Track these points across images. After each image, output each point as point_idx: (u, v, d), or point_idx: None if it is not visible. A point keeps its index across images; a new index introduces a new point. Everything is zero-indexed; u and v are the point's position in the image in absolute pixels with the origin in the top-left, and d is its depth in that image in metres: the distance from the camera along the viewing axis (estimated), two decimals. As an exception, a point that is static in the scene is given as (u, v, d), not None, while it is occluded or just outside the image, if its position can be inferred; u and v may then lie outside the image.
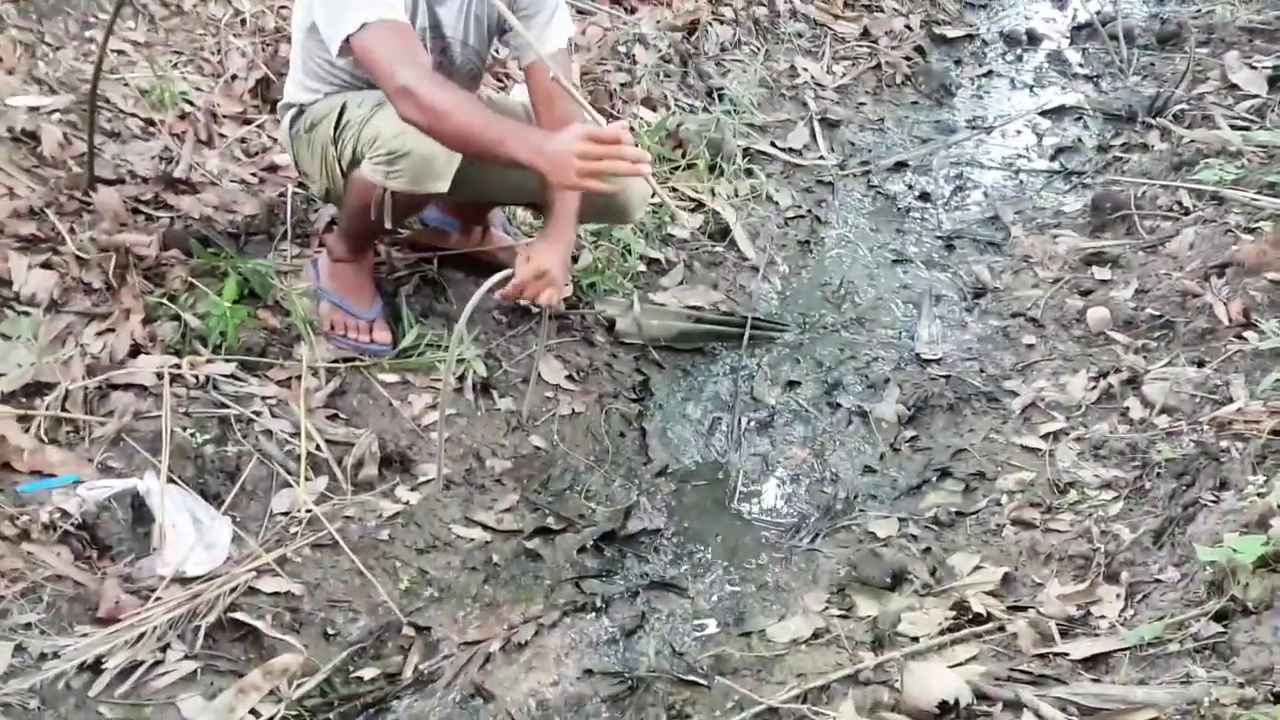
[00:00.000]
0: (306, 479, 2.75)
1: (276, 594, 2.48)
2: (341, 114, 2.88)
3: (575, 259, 3.66)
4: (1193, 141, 4.44)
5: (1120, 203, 4.17)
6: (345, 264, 3.13)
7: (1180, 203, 4.09)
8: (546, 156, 2.50)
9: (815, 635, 2.54)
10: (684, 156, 4.25)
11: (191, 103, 3.73)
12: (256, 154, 3.78)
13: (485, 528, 2.84)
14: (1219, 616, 2.25)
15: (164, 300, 2.97)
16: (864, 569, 2.68)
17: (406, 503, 2.80)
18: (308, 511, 2.65)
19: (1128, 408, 3.09)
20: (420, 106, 2.58)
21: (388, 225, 2.91)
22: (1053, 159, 4.90)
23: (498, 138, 2.56)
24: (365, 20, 2.62)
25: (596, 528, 2.88)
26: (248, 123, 3.87)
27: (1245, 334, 3.20)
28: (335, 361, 3.05)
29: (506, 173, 3.01)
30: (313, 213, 3.51)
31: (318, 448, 2.82)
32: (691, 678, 2.46)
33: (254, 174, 3.67)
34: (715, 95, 4.72)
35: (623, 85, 4.55)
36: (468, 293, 3.32)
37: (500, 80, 4.29)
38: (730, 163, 4.29)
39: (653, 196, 3.21)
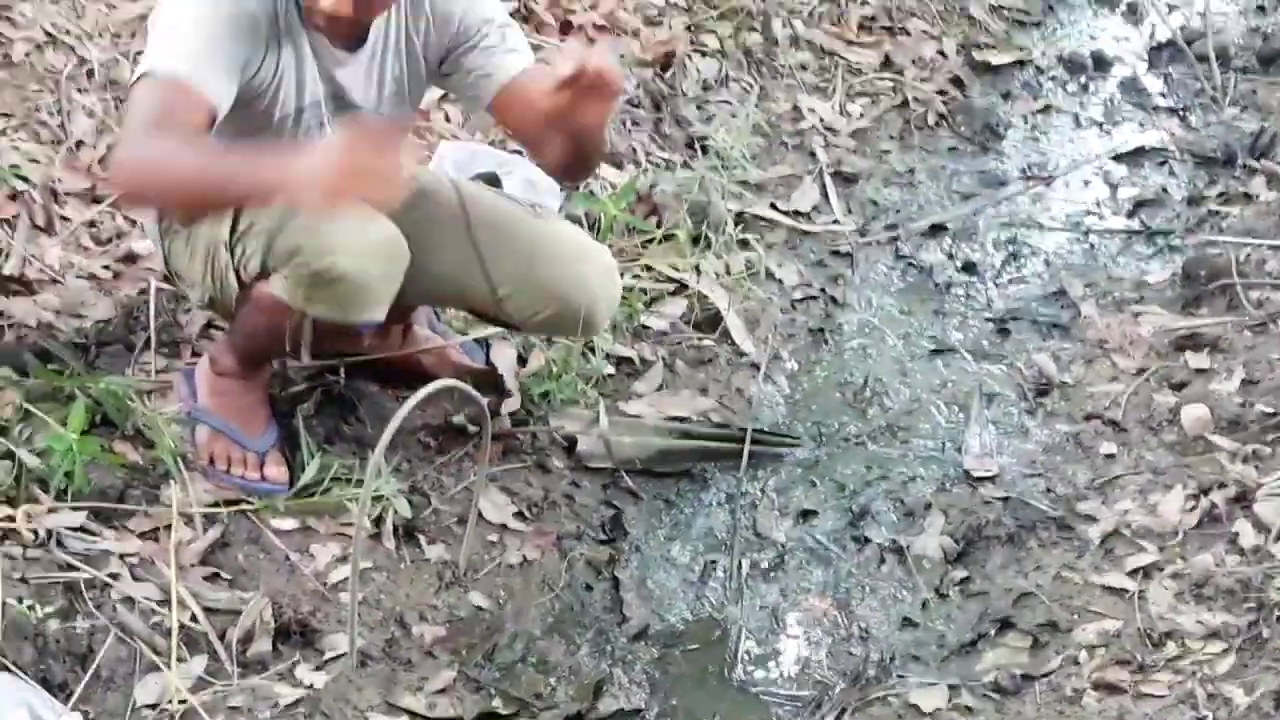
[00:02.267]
0: (180, 659, 2.75)
1: (142, 816, 2.48)
2: (240, 211, 2.89)
3: (523, 360, 3.71)
4: (1308, 189, 4.55)
5: (1219, 269, 4.24)
6: (232, 380, 3.17)
7: (1295, 267, 4.17)
8: (295, 176, 2.49)
9: (847, 846, 2.54)
10: (659, 226, 4.31)
11: (25, 178, 3.77)
12: (109, 241, 3.81)
13: (413, 715, 2.83)
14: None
15: (-9, 434, 3.00)
16: (905, 754, 2.70)
17: (310, 686, 2.80)
18: (181, 702, 2.65)
19: (1237, 533, 3.13)
20: (118, 179, 2.71)
21: (304, 359, 2.96)
22: (1131, 215, 4.99)
23: (224, 176, 2.60)
24: (147, 70, 2.69)
25: (558, 711, 2.88)
26: (97, 201, 3.89)
27: (1385, 432, 3.26)
28: (215, 505, 3.07)
29: (434, 273, 3.09)
30: (183, 313, 3.56)
31: (193, 619, 2.83)
32: None
33: (106, 267, 3.69)
34: (698, 146, 4.80)
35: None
36: (385, 411, 3.39)
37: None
38: (719, 232, 4.35)
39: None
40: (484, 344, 3.70)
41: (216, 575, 2.95)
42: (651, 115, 4.89)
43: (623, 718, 2.92)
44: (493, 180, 3.47)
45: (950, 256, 4.75)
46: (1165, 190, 5.11)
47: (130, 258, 3.77)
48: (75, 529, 2.92)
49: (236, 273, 2.97)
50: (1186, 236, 4.74)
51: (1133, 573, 3.12)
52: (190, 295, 3.20)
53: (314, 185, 2.46)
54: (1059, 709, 2.80)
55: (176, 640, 2.77)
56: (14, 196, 3.76)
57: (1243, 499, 3.23)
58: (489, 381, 3.54)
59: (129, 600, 2.81)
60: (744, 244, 4.42)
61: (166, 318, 3.56)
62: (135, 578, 2.87)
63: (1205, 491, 3.29)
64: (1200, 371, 3.82)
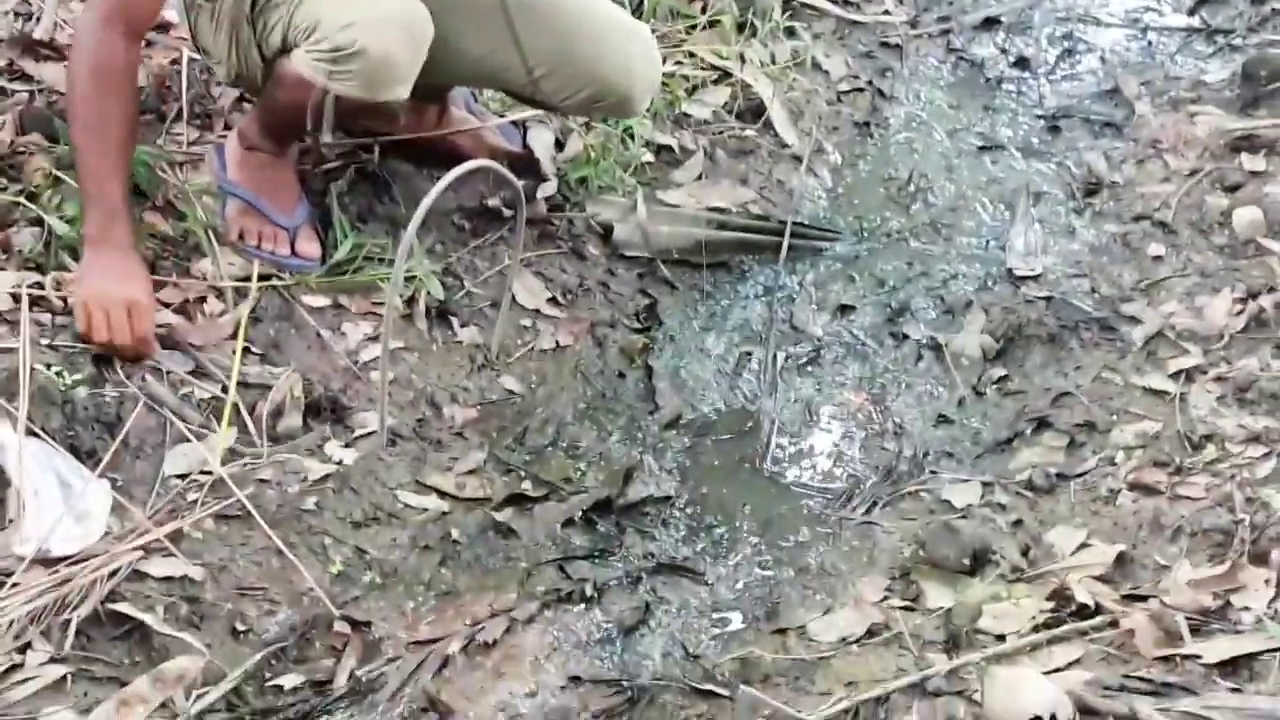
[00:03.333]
0: (210, 430, 2.76)
1: (170, 579, 2.49)
2: None
3: (560, 145, 3.65)
4: (1377, -13, 4.41)
5: (1278, 70, 4.13)
6: (262, 155, 3.12)
7: (1359, 68, 4.06)
8: (87, 263, 2.78)
9: (870, 633, 2.55)
10: (704, 11, 4.22)
11: (53, -59, 3.71)
12: (141, 6, 3.75)
13: (442, 495, 2.85)
14: (1399, 608, 2.26)
15: (20, 199, 2.97)
16: (935, 547, 2.69)
17: (340, 462, 2.81)
18: (206, 473, 2.66)
19: (1284, 338, 3.09)
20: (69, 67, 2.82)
21: (326, 138, 2.91)
22: (1192, 13, 4.86)
23: (81, 169, 2.80)
24: None
25: (587, 495, 2.89)
26: (129, -34, 3.83)
27: None
28: (244, 280, 3.04)
29: (469, 54, 3.02)
30: (216, 85, 3.50)
31: (224, 390, 2.82)
32: (709, 687, 2.47)
33: (138, 33, 3.64)
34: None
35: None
36: (419, 191, 3.33)
37: None
38: (765, 19, 4.25)
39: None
40: (521, 126, 3.64)
41: (247, 349, 2.93)
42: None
43: (652, 504, 2.93)
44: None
45: (1003, 51, 4.65)
46: (1230, -14, 4.96)
47: (163, 26, 3.70)
48: (104, 298, 2.90)
49: (259, 47, 2.90)
50: (1248, 35, 4.61)
51: (1175, 375, 3.09)
52: (217, 71, 3.14)
53: (90, 288, 2.75)
54: (1093, 508, 2.79)
55: (230, 407, 2.78)
56: (43, -40, 3.69)
57: (1292, 304, 3.18)
58: (526, 165, 3.49)
59: (158, 370, 2.80)
60: (790, 33, 4.32)
61: (199, 89, 3.51)
62: (165, 347, 2.85)
63: (1254, 295, 3.24)
64: (1255, 174, 3.73)
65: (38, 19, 3.54)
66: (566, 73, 3.12)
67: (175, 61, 3.55)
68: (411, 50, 2.81)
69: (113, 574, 2.45)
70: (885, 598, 2.64)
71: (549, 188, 3.53)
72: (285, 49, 2.86)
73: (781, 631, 2.61)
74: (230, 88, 3.38)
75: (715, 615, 2.68)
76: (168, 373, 2.82)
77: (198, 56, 3.53)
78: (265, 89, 2.99)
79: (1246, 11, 4.81)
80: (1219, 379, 3.03)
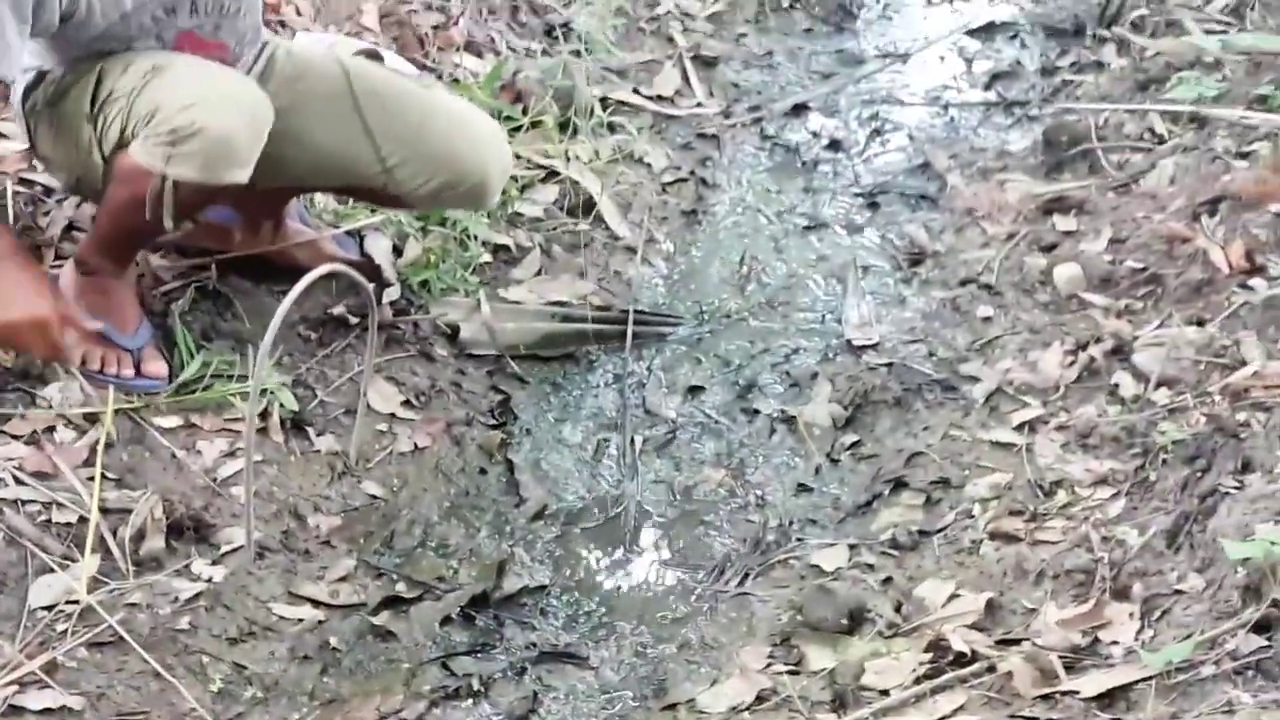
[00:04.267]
0: (72, 560, 2.69)
1: (48, 711, 2.41)
2: (100, 82, 2.85)
3: (399, 251, 3.66)
4: (1159, 54, 4.64)
5: (1078, 135, 4.33)
6: (99, 278, 3.08)
7: (1152, 129, 4.26)
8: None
9: (760, 699, 2.56)
10: (526, 113, 4.27)
11: None
12: (-40, 142, 3.69)
13: (316, 604, 2.81)
14: (1260, 628, 2.32)
15: None
16: (812, 610, 2.73)
17: (209, 580, 2.76)
18: (73, 603, 2.59)
19: (1117, 384, 3.20)
20: None
21: (168, 226, 2.88)
22: (988, 88, 5.07)
23: None
24: None
25: (462, 591, 2.88)
26: (-58, 106, 3.78)
27: (1250, 281, 3.33)
28: (90, 407, 2.98)
29: (319, 148, 3.04)
30: (43, 215, 3.44)
31: (82, 519, 2.76)
32: (607, 769, 2.48)
33: (-43, 172, 3.59)
34: (559, 33, 4.76)
35: (436, 28, 4.55)
36: (261, 306, 3.33)
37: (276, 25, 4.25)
38: (587, 117, 4.33)
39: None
40: (357, 236, 3.64)
41: (103, 475, 2.87)
42: (508, 3, 4.83)
43: (528, 595, 2.93)
44: (374, 56, 3.39)
45: (815, 135, 4.79)
46: (1019, 63, 5.19)
47: (-14, 161, 3.64)
48: (-51, 436, 2.83)
49: (99, 145, 2.88)
50: (1043, 106, 4.82)
51: (1019, 427, 3.18)
52: (57, 180, 3.12)
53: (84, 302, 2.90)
54: (959, 560, 2.85)
55: (93, 534, 2.71)
56: None
57: (1119, 351, 3.30)
58: (366, 272, 3.48)
59: (15, 503, 2.73)
60: (611, 128, 4.40)
61: (25, 220, 3.44)
62: (18, 481, 2.78)
63: (1083, 347, 3.36)
64: (1068, 233, 3.88)
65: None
66: (420, 159, 3.14)
67: (0, 194, 3.49)
68: (251, 130, 2.79)
69: (-12, 712, 2.38)
70: (769, 664, 2.66)
71: (393, 292, 3.53)
72: (124, 143, 2.83)
73: (671, 707, 2.61)
74: (66, 195, 3.33)
75: (604, 698, 2.68)
76: (24, 504, 2.76)
77: (21, 189, 3.50)
78: (105, 191, 2.95)
79: (1039, 83, 5.04)
80: (1061, 427, 3.14)
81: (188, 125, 2.73)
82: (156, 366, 3.10)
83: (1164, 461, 2.87)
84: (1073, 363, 3.33)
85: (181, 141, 2.75)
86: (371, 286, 3.07)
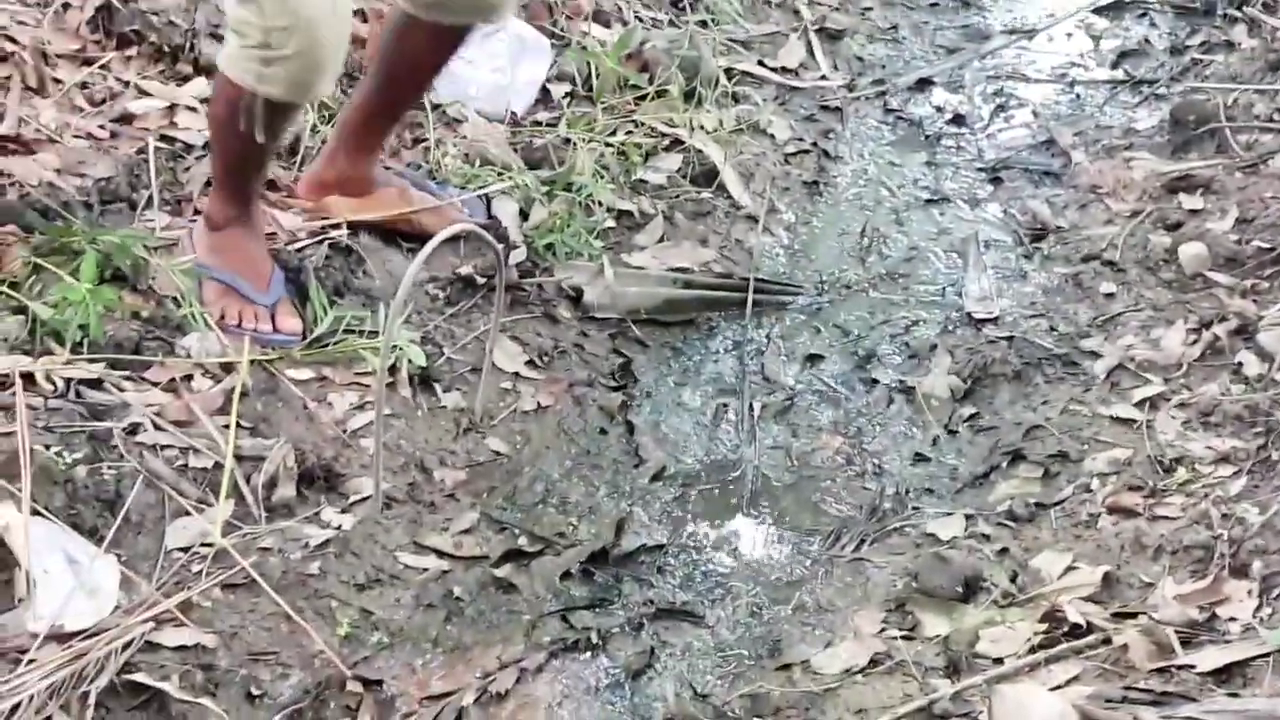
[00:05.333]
0: (208, 504, 2.76)
1: (183, 648, 2.49)
2: None
3: (525, 214, 3.71)
4: (1292, 33, 4.57)
5: (1206, 114, 4.28)
6: (229, 231, 3.16)
7: (1282, 110, 4.20)
8: None
9: (874, 663, 2.58)
10: (652, 82, 4.30)
11: (14, 40, 3.74)
12: (103, 101, 3.79)
13: (441, 554, 2.87)
14: (1379, 606, 2.32)
15: (2, 289, 2.98)
16: (927, 578, 2.74)
17: (338, 528, 2.82)
18: (208, 545, 2.66)
19: (1240, 363, 3.18)
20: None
21: (259, 139, 2.94)
22: (1115, 66, 5.01)
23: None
24: None
25: (582, 547, 2.92)
26: (88, 63, 3.87)
27: (1378, 262, 3.30)
28: (222, 359, 3.06)
29: None
30: (183, 171, 3.53)
31: (218, 465, 2.83)
32: (722, 724, 2.51)
33: (102, 127, 3.68)
34: (685, 4, 4.78)
35: (564, -3, 4.60)
36: (392, 264, 3.40)
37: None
38: (711, 87, 4.34)
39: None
40: (485, 199, 3.69)
41: (238, 424, 2.94)
42: (636, -28, 4.85)
43: (646, 553, 2.96)
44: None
45: (939, 109, 4.77)
46: (1148, 41, 5.12)
47: (126, 118, 3.75)
48: (93, 381, 2.91)
49: None
50: (1171, 85, 4.76)
51: (1140, 403, 3.16)
52: None
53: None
54: (1075, 533, 2.84)
55: (228, 480, 2.78)
56: (4, 59, 3.72)
57: (1244, 331, 3.28)
58: (494, 234, 3.53)
59: (155, 447, 2.81)
60: (736, 99, 4.42)
61: (167, 176, 3.54)
62: (157, 426, 2.86)
63: (1206, 325, 3.33)
64: (1194, 212, 3.85)
65: (2, 115, 3.56)
66: None
67: (142, 150, 3.58)
68: (337, 50, 2.86)
69: (126, 646, 2.45)
70: (883, 629, 2.67)
71: (519, 255, 3.58)
72: None
73: (786, 667, 2.63)
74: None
75: (719, 655, 2.71)
76: (163, 449, 2.84)
77: (163, 145, 3.59)
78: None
79: (1167, 62, 4.97)
80: (1182, 405, 3.12)
81: (278, 47, 2.80)
82: (291, 322, 3.17)
83: (1287, 441, 2.85)
84: (1196, 341, 3.31)
85: (272, 63, 2.82)
86: (500, 248, 3.12)
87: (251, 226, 3.19)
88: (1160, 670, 2.41)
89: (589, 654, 2.69)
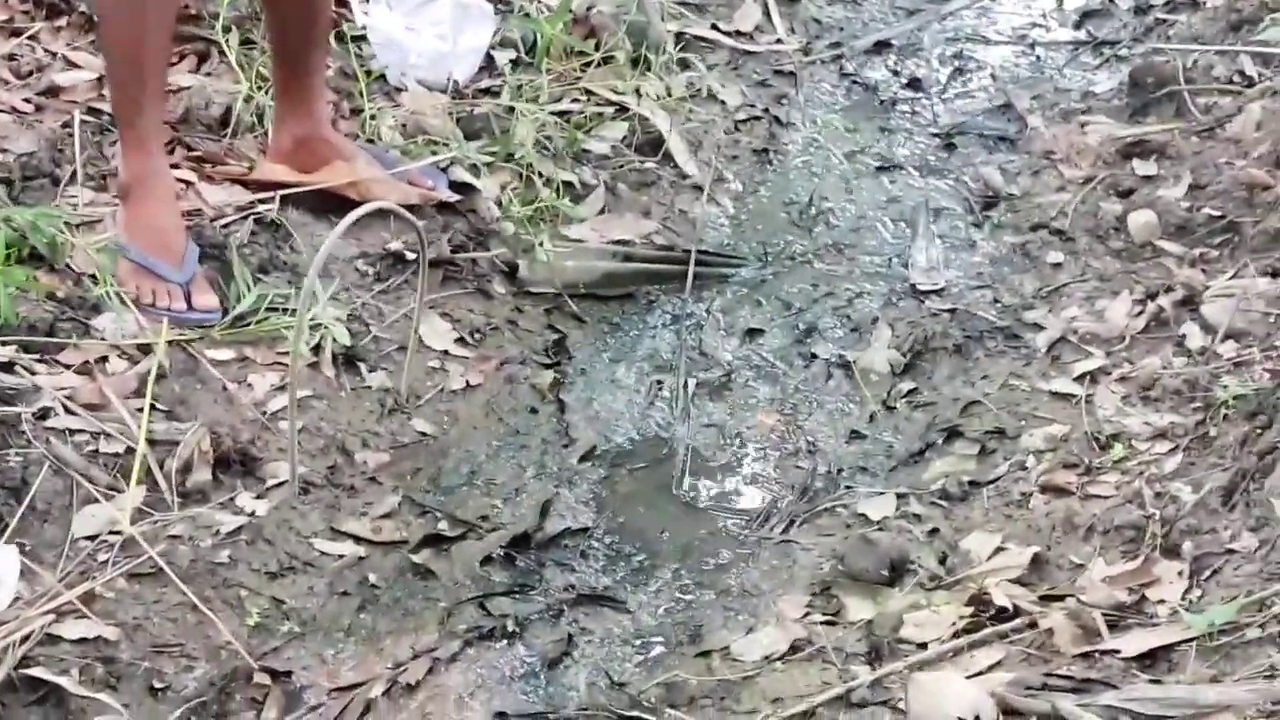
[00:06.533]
0: (117, 490, 2.72)
1: (84, 640, 2.45)
2: None
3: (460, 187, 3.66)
4: (1256, -8, 4.50)
5: (1166, 76, 4.21)
6: (139, 200, 3.12)
7: (1242, 72, 4.14)
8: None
9: (794, 649, 2.56)
10: (598, 48, 4.24)
11: (-62, 11, 3.70)
12: (30, 74, 3.74)
13: (358, 540, 2.83)
14: (1309, 590, 2.27)
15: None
16: (854, 561, 2.71)
17: (252, 514, 2.78)
18: (117, 533, 2.62)
19: (1184, 336, 3.13)
20: None
21: None
22: (1077, 26, 4.94)
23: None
24: None
25: (504, 531, 2.89)
26: (16, 34, 3.83)
27: (1330, 231, 3.25)
28: (138, 340, 3.01)
29: None
30: (109, 145, 3.48)
31: (129, 450, 2.79)
32: (635, 714, 2.48)
33: (27, 100, 3.63)
34: (636, -34, 4.70)
35: (506, -41, 4.52)
36: (322, 238, 3.33)
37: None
38: (659, 53, 4.28)
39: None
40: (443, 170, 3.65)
41: (153, 406, 2.90)
42: (584, -66, 4.78)
43: (570, 536, 2.93)
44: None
45: (895, 73, 4.71)
46: (1112, 1, 5.03)
47: (53, 90, 3.70)
48: (4, 363, 2.87)
49: None
50: (1134, 45, 4.69)
51: (1080, 378, 3.13)
52: None
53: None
54: (1007, 513, 2.81)
55: (140, 465, 2.75)
56: (-74, 30, 3.68)
57: (1189, 302, 3.23)
58: (464, 209, 3.56)
59: (64, 433, 2.77)
60: (685, 65, 4.35)
61: (92, 150, 3.49)
62: (68, 411, 2.82)
63: (1152, 296, 3.29)
64: (1147, 178, 3.79)
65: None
66: None
67: (67, 125, 3.53)
68: None
69: (25, 639, 2.41)
70: (807, 613, 2.65)
71: (506, 230, 3.57)
72: None
73: (705, 654, 2.61)
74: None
75: (638, 642, 2.68)
76: (72, 434, 2.79)
77: (89, 118, 3.54)
78: None
79: (1130, 23, 4.90)
80: (1123, 379, 3.08)
81: None
82: (207, 299, 3.12)
83: (1225, 417, 2.79)
84: (1141, 312, 3.27)
85: None
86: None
87: (160, 195, 3.13)
88: (1085, 655, 2.39)
89: (505, 642, 2.66)
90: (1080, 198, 3.78)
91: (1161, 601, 2.46)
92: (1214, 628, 2.30)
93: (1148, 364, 3.08)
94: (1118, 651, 2.35)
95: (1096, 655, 2.37)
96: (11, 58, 3.78)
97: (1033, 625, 2.47)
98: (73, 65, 3.78)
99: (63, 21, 3.91)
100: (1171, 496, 2.66)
